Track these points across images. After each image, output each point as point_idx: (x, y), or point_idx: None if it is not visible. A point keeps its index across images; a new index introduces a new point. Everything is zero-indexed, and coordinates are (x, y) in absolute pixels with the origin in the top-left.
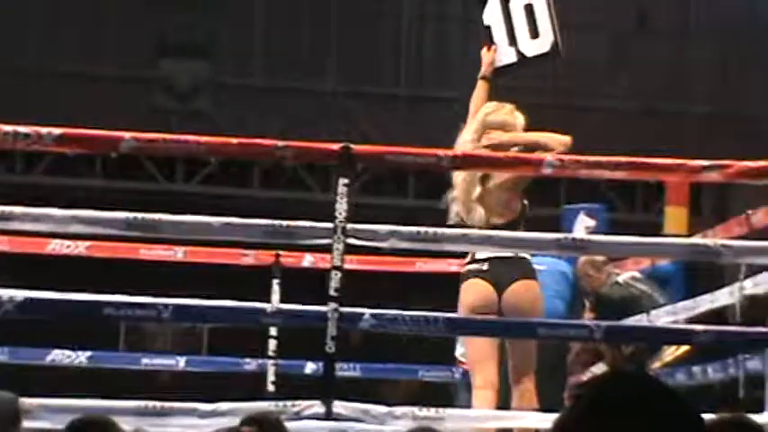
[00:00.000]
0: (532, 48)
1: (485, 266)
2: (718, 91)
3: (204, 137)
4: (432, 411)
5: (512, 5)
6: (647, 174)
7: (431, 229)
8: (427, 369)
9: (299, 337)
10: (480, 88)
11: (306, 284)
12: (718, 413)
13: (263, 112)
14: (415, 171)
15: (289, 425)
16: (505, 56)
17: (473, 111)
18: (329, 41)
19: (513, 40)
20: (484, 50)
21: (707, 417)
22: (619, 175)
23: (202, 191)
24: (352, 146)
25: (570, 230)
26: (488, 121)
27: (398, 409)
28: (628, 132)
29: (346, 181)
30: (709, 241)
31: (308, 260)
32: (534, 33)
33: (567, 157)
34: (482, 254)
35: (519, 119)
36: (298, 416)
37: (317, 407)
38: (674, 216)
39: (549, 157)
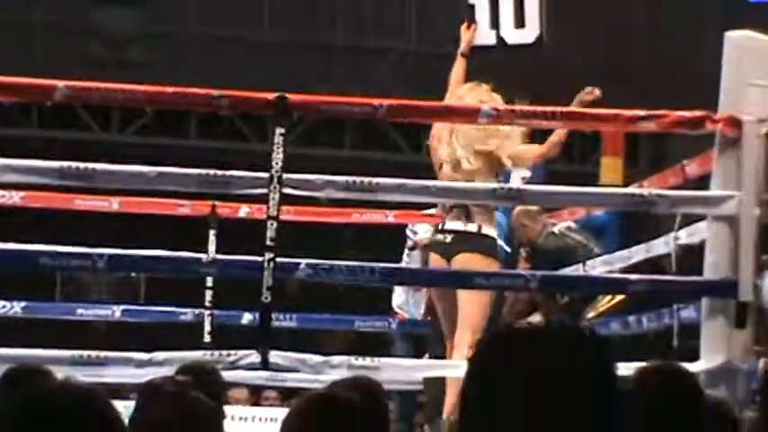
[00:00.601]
0: (514, 36)
1: (448, 239)
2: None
3: (139, 86)
4: (367, 361)
5: None
6: (582, 124)
7: (366, 179)
8: (363, 319)
9: (237, 288)
10: (459, 64)
11: (243, 235)
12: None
13: (199, 62)
14: (351, 122)
15: (225, 374)
16: (485, 37)
17: (451, 86)
18: None
19: (495, 24)
20: (464, 27)
21: (639, 365)
22: (554, 124)
23: (138, 141)
24: (287, 95)
25: (506, 181)
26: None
27: (335, 359)
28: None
29: (282, 130)
30: (644, 191)
31: (244, 211)
32: (520, 23)
33: (502, 108)
34: (450, 224)
35: (497, 100)
36: (234, 365)
37: (253, 356)
38: (610, 166)
39: (484, 107)
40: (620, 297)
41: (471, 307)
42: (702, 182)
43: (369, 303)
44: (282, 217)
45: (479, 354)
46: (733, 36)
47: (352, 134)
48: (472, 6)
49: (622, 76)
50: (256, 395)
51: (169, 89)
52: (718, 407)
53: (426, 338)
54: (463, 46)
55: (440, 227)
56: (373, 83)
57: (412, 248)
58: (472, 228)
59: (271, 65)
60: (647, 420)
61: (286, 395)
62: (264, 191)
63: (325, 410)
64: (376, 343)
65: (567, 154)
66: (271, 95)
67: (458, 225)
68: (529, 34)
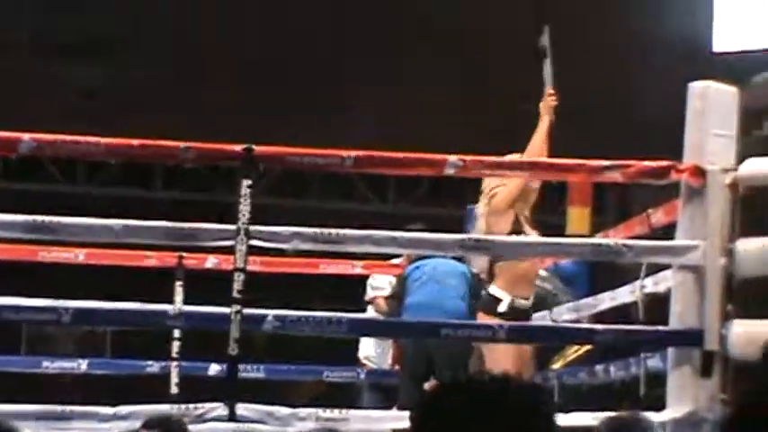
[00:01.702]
0: None
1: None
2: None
3: (105, 138)
4: (335, 413)
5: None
6: (548, 174)
7: (333, 230)
8: (332, 369)
9: (204, 338)
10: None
11: (210, 286)
12: (619, 411)
13: (166, 112)
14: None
15: (193, 428)
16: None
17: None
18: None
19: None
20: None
21: (604, 414)
22: (520, 175)
23: (104, 193)
24: (254, 147)
25: (473, 229)
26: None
27: (302, 411)
28: None
29: (249, 182)
30: (610, 241)
31: (211, 261)
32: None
33: (469, 158)
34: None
35: None
36: (201, 418)
37: (219, 409)
38: (577, 216)
39: (451, 157)
40: (588, 346)
41: (495, 365)
42: (669, 230)
43: (338, 353)
44: (250, 268)
45: (421, 407)
46: (696, 87)
47: (318, 184)
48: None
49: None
50: None
51: (135, 142)
52: None
53: (395, 389)
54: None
55: None
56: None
57: (368, 302)
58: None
59: (241, 115)
60: None
61: None
62: (231, 243)
63: None
64: (345, 394)
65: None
66: (238, 147)
67: None
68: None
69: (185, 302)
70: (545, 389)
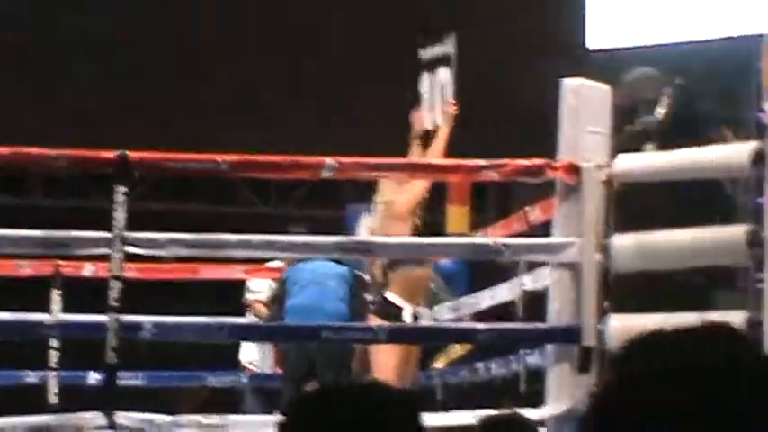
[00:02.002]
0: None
1: None
2: None
3: None
4: (216, 419)
5: (435, 79)
6: (426, 175)
7: (212, 236)
8: (214, 375)
9: (84, 347)
10: (417, 148)
11: (89, 293)
12: (500, 408)
13: (38, 115)
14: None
15: None
16: (427, 122)
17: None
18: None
19: (432, 109)
20: (416, 115)
21: (483, 413)
22: (398, 175)
23: None
24: (128, 153)
25: (354, 231)
26: None
27: (183, 418)
28: None
29: (124, 189)
30: (489, 240)
31: (89, 269)
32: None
33: (345, 160)
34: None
35: None
36: (80, 429)
37: (98, 419)
38: (456, 215)
39: (327, 160)
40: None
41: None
42: (548, 227)
43: (221, 357)
44: (128, 274)
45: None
46: (570, 84)
47: (201, 188)
48: (422, 95)
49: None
50: None
51: (4, 150)
52: None
53: (278, 392)
54: (419, 128)
55: None
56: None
57: (246, 306)
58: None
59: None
60: None
61: None
62: (107, 251)
63: None
64: (229, 398)
65: None
66: (111, 154)
67: None
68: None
69: (65, 310)
70: (417, 397)
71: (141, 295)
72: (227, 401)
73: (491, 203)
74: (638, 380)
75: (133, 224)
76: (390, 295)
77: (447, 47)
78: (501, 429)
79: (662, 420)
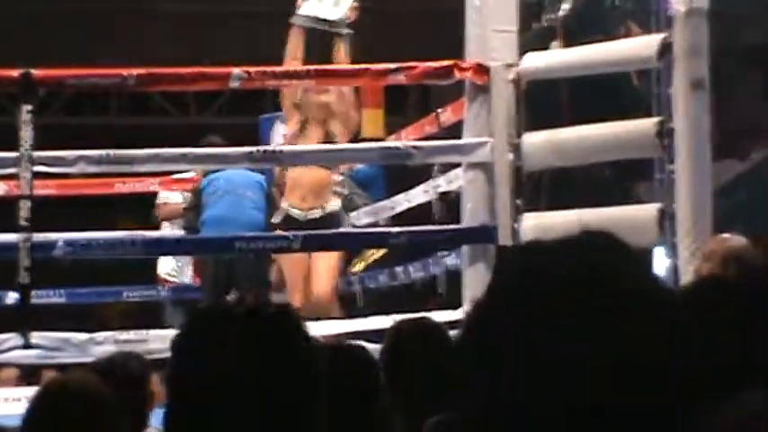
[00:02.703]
0: (329, 12)
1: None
2: None
3: None
4: (132, 334)
5: None
6: (333, 81)
7: (120, 151)
8: (132, 289)
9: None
10: (298, 36)
11: (4, 213)
12: (423, 310)
13: None
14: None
15: None
16: (311, 8)
17: (290, 57)
18: None
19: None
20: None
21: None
22: (306, 83)
23: None
24: (32, 71)
25: (268, 140)
26: None
27: (99, 335)
28: None
29: (30, 107)
30: (399, 144)
31: (2, 188)
32: (336, 2)
33: (253, 69)
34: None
35: None
36: None
37: (13, 340)
38: (371, 119)
39: (235, 70)
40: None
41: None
42: (460, 127)
43: (138, 271)
44: (43, 191)
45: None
46: None
47: (117, 100)
48: None
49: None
50: (36, 375)
51: None
52: None
53: (199, 303)
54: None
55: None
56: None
57: (156, 215)
58: None
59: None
60: (397, 374)
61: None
62: (14, 170)
63: (57, 399)
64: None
65: None
66: (15, 72)
67: None
68: (339, 12)
69: None
70: (294, 315)
71: (60, 214)
72: (149, 315)
73: (412, 105)
74: (513, 288)
75: (49, 140)
76: (283, 202)
77: None
78: (411, 334)
79: (533, 328)
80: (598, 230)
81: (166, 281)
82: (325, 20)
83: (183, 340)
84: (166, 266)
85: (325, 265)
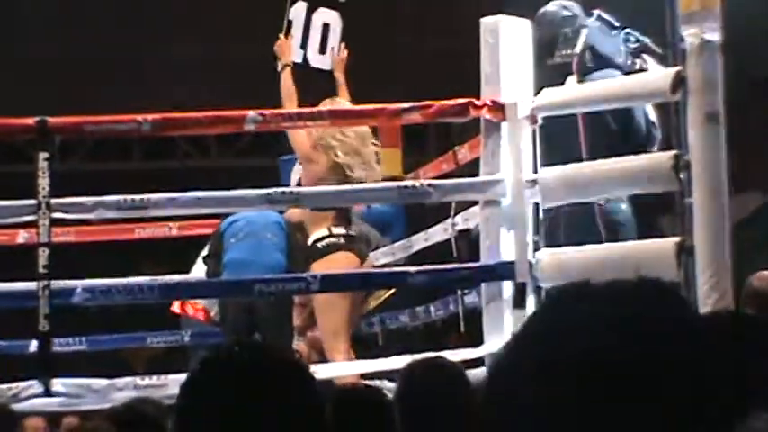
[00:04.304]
0: (316, 60)
1: (342, 240)
2: None
3: None
4: (153, 379)
5: (314, 17)
6: (347, 121)
7: (137, 197)
8: (155, 335)
9: (24, 315)
10: (287, 76)
11: (27, 261)
12: (444, 349)
13: None
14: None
15: (19, 405)
16: (295, 53)
17: (287, 99)
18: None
19: (304, 45)
20: (282, 39)
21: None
22: (322, 124)
23: None
24: (48, 119)
25: (288, 181)
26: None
27: (120, 381)
28: None
29: (46, 155)
30: (416, 182)
31: (23, 237)
32: (323, 50)
33: (268, 112)
34: (335, 229)
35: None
36: (16, 398)
37: (34, 387)
38: (389, 158)
39: (251, 113)
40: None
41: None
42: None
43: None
44: (62, 239)
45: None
46: (488, 22)
47: (138, 145)
48: (290, 22)
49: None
50: (56, 422)
51: None
52: None
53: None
54: (286, 57)
55: (326, 232)
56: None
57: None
58: (354, 231)
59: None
60: (411, 415)
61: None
62: (33, 218)
63: None
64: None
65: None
66: (31, 120)
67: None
68: (327, 61)
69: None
70: (298, 363)
71: (80, 260)
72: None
73: (432, 143)
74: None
75: (74, 186)
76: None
77: None
78: (421, 374)
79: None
80: (650, 277)
81: (205, 313)
82: (319, 69)
83: (188, 387)
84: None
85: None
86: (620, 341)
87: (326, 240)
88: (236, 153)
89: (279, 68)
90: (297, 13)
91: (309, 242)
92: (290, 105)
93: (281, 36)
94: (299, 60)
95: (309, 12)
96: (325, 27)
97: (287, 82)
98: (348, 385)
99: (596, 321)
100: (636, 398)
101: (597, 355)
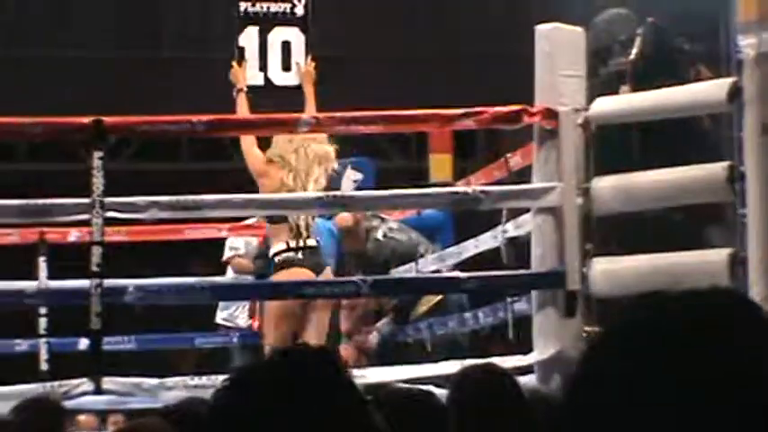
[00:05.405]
0: (281, 79)
1: (300, 254)
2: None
3: None
4: (204, 379)
5: (269, 38)
6: (402, 126)
7: (190, 197)
8: (203, 336)
9: (74, 313)
10: (243, 101)
11: (79, 258)
12: (490, 355)
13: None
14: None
15: (69, 403)
16: (253, 77)
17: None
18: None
19: (264, 67)
20: (235, 66)
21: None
22: (375, 128)
23: None
24: (103, 118)
25: (338, 185)
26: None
27: (170, 380)
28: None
29: (101, 154)
30: (468, 189)
31: (74, 235)
32: (286, 67)
33: (322, 115)
34: (294, 242)
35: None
36: (67, 396)
37: (85, 385)
38: (439, 163)
39: (304, 116)
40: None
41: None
42: (529, 172)
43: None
44: (114, 238)
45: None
46: (543, 29)
47: (187, 145)
48: (242, 48)
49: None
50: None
51: None
52: (543, 401)
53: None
54: (241, 83)
55: (283, 246)
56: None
57: (226, 263)
58: (313, 242)
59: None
60: (464, 420)
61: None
62: (87, 216)
63: None
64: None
65: (402, 150)
66: (86, 120)
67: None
68: (295, 77)
69: (56, 276)
70: (332, 356)
71: (130, 258)
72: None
73: (480, 149)
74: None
75: (123, 185)
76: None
77: (289, 7)
78: (476, 380)
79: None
80: (723, 287)
81: (222, 327)
82: (284, 86)
83: (227, 390)
84: (223, 313)
85: (321, 324)
86: (710, 349)
87: (283, 255)
88: None
89: (234, 94)
90: (248, 37)
91: (270, 254)
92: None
93: (234, 63)
94: (261, 83)
95: (263, 34)
96: (285, 45)
97: (243, 108)
98: (403, 389)
99: (684, 329)
100: (730, 405)
101: (691, 362)
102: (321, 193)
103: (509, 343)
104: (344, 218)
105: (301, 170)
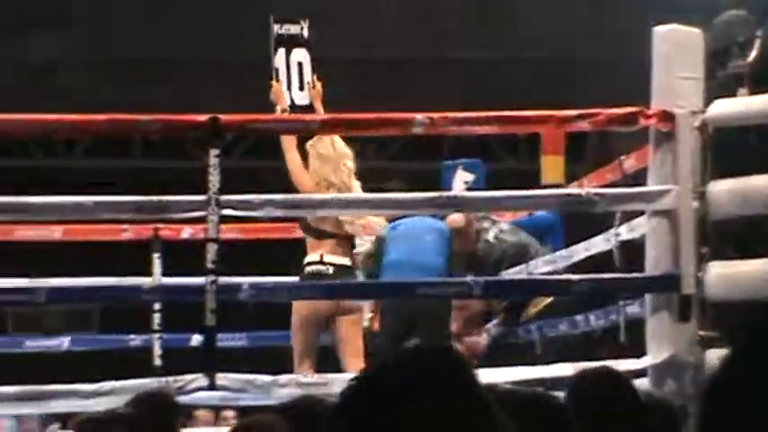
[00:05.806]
0: (298, 98)
1: (330, 270)
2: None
3: (72, 115)
4: (316, 378)
5: (291, 58)
6: (516, 127)
7: (305, 196)
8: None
9: (187, 309)
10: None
11: (192, 255)
12: (600, 359)
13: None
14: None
15: (182, 398)
16: (286, 98)
17: (288, 142)
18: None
19: (288, 86)
20: (275, 85)
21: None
22: (488, 129)
23: (80, 165)
24: (219, 116)
25: (450, 186)
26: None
27: (282, 378)
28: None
29: (217, 152)
30: (581, 191)
31: (187, 232)
32: (301, 86)
33: (436, 115)
34: (328, 257)
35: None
36: (181, 391)
37: (200, 381)
38: (551, 165)
39: (418, 116)
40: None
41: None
42: (642, 175)
43: None
44: (225, 235)
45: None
46: (660, 31)
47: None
48: (277, 69)
49: None
50: (216, 415)
51: (101, 117)
52: (658, 405)
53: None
54: (283, 103)
55: (314, 258)
56: None
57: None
58: (347, 261)
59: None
60: (581, 423)
61: (243, 414)
62: (203, 213)
63: None
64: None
65: (513, 151)
66: (202, 117)
67: (335, 258)
68: (306, 96)
69: (168, 273)
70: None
71: (243, 255)
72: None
73: (590, 152)
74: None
75: (238, 182)
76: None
77: (300, 29)
78: (594, 383)
79: None
80: None
81: None
82: (301, 106)
83: (352, 394)
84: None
85: (355, 331)
86: None
87: (314, 267)
88: (391, 156)
89: (278, 113)
90: (279, 60)
91: (303, 263)
92: (292, 150)
93: (273, 83)
94: (289, 103)
95: (287, 55)
96: (299, 65)
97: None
98: (524, 389)
99: None
100: None
101: None
102: (434, 194)
103: (620, 346)
104: (456, 219)
105: (343, 186)
